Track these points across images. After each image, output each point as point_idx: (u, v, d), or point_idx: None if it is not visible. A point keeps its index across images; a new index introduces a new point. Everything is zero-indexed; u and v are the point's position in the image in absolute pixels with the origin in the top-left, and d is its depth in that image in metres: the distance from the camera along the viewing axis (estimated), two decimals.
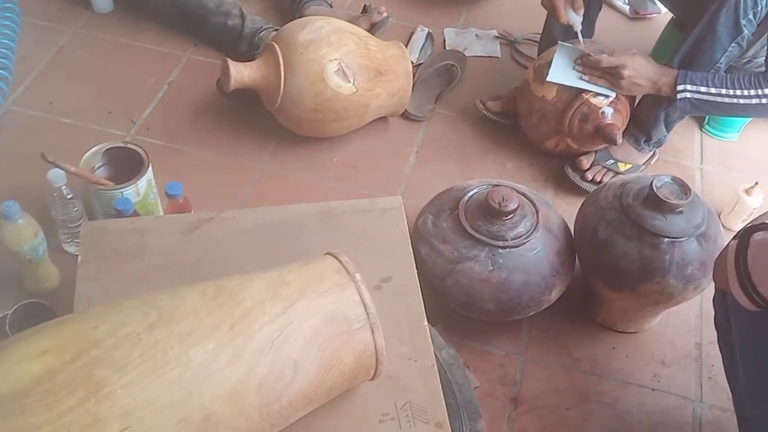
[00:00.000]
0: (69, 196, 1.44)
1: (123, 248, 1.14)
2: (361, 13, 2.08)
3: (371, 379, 0.98)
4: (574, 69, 1.72)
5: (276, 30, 1.96)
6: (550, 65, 1.72)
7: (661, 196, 1.36)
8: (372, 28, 1.97)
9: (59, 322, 0.88)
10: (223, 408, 0.82)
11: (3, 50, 1.87)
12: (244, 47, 1.97)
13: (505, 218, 1.39)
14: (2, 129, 1.78)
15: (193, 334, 0.83)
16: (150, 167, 1.51)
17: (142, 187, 1.49)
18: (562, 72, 1.72)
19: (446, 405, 1.01)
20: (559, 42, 1.76)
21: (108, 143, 1.56)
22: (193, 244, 1.16)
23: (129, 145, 1.54)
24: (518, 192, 1.44)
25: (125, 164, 1.52)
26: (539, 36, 1.98)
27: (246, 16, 1.97)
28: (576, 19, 1.71)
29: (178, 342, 0.82)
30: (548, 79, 1.71)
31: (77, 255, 1.49)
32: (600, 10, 1.91)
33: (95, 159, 1.52)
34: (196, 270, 1.13)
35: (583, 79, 1.71)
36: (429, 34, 2.16)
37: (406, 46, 2.06)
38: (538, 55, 1.91)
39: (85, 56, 2.01)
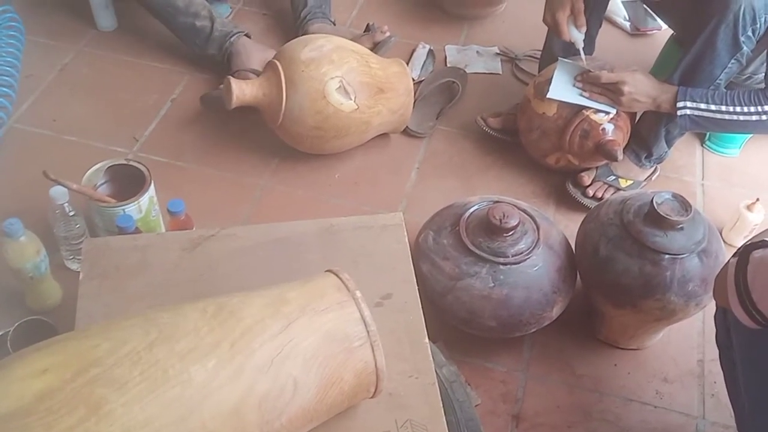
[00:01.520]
0: (71, 213, 1.45)
1: (125, 265, 1.15)
2: (364, 31, 2.09)
3: (372, 397, 0.97)
4: (574, 86, 1.73)
5: (247, 35, 1.98)
6: (550, 82, 1.73)
7: (661, 213, 1.36)
8: (375, 48, 1.98)
9: (60, 339, 0.88)
10: (224, 426, 0.82)
11: (7, 68, 1.89)
12: (213, 50, 1.97)
13: (506, 235, 1.39)
14: (6, 146, 1.79)
15: (194, 352, 0.83)
16: (152, 184, 1.51)
17: (144, 204, 1.49)
18: (562, 88, 1.73)
19: (447, 423, 1.01)
20: (559, 58, 1.77)
21: (110, 160, 1.57)
22: (195, 261, 1.16)
23: (131, 163, 1.55)
24: (519, 208, 1.44)
25: (127, 181, 1.52)
26: (540, 53, 1.99)
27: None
28: (578, 37, 1.72)
29: (178, 360, 0.82)
30: (548, 95, 1.72)
31: (79, 272, 1.51)
32: (600, 26, 1.92)
33: (97, 176, 1.53)
34: (197, 287, 1.13)
35: (584, 96, 1.72)
36: (430, 51, 2.17)
37: (408, 63, 2.08)
38: (539, 72, 1.91)
39: (89, 74, 2.03)
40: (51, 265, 1.47)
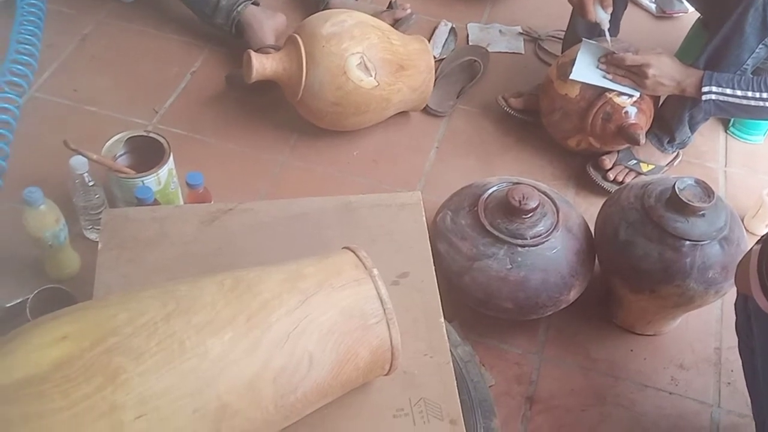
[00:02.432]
0: (91, 184, 1.45)
1: (143, 237, 1.15)
2: (387, 8, 2.08)
3: (386, 374, 0.97)
4: (597, 67, 1.71)
5: (255, 3, 1.96)
6: (573, 63, 1.71)
7: (683, 199, 1.34)
8: (395, 24, 1.96)
9: (79, 308, 0.88)
10: (239, 399, 0.83)
11: (28, 37, 1.89)
12: (220, 20, 1.95)
13: (525, 216, 1.38)
14: (26, 115, 1.79)
15: (210, 325, 0.84)
16: (171, 156, 1.51)
17: (163, 177, 1.49)
18: (585, 70, 1.70)
19: (461, 402, 1.01)
20: (583, 39, 1.75)
21: (130, 132, 1.57)
22: (213, 234, 1.16)
23: (151, 134, 1.55)
24: (539, 190, 1.43)
25: (147, 153, 1.52)
26: (563, 33, 1.96)
27: None
28: (604, 17, 1.69)
29: (195, 332, 0.82)
30: (571, 77, 1.70)
31: (98, 242, 1.51)
32: (626, 8, 1.89)
33: (117, 147, 1.53)
34: (214, 260, 1.13)
35: (607, 78, 1.69)
36: (452, 29, 2.15)
37: (429, 41, 2.06)
38: (562, 53, 1.89)
39: (109, 45, 2.02)
40: (70, 234, 1.47)
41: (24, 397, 0.76)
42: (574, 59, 1.71)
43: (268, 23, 1.93)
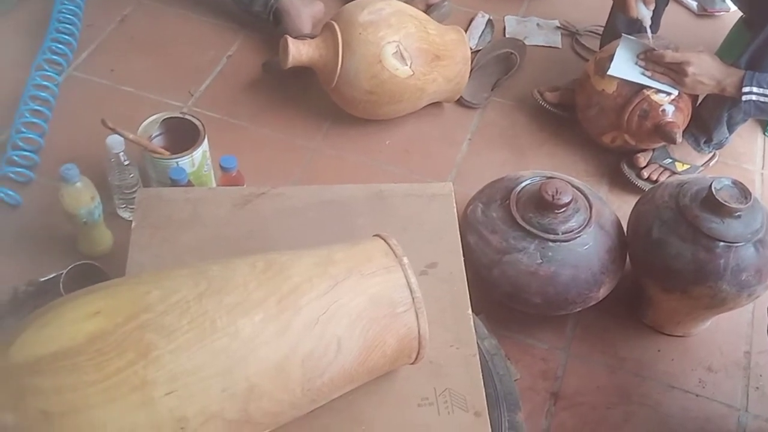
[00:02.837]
0: (126, 163, 1.47)
1: (176, 217, 1.16)
2: None
3: (412, 363, 0.97)
4: (636, 64, 1.69)
5: None
6: (612, 58, 1.69)
7: (719, 199, 1.33)
8: (427, 10, 1.96)
9: (113, 284, 0.89)
10: (267, 381, 0.83)
11: (69, 16, 1.91)
12: (258, 7, 1.96)
13: (557, 211, 1.37)
14: (64, 94, 1.81)
15: (242, 305, 0.84)
16: (206, 139, 1.52)
17: (197, 158, 1.51)
18: (624, 66, 1.68)
19: (486, 395, 1.01)
20: (623, 35, 1.73)
21: (166, 113, 1.58)
22: (244, 217, 1.17)
23: (186, 116, 1.56)
24: (572, 186, 1.42)
25: (181, 135, 1.54)
26: (602, 28, 1.94)
27: None
28: (646, 14, 1.67)
29: (226, 312, 0.83)
30: (609, 72, 1.68)
31: (130, 220, 1.53)
32: (667, 5, 1.87)
33: (153, 128, 1.54)
34: (245, 243, 1.14)
35: (646, 75, 1.67)
36: (489, 21, 2.14)
37: (466, 32, 2.04)
38: (600, 48, 1.87)
39: (148, 26, 2.04)
40: (103, 212, 1.49)
41: (58, 369, 0.77)
42: (613, 55, 1.69)
43: (306, 11, 1.93)
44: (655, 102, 1.68)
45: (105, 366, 0.78)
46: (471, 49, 1.91)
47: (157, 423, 0.79)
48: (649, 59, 1.67)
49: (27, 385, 0.77)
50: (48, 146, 1.70)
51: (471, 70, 1.84)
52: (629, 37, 1.71)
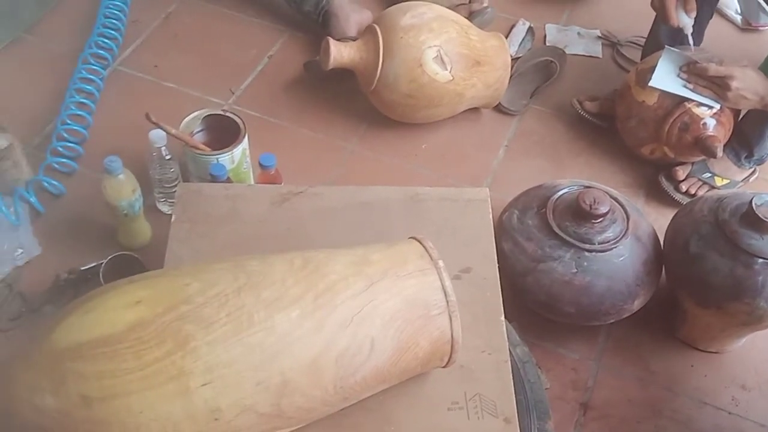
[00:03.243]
0: (167, 157, 1.49)
1: (215, 212, 1.18)
2: (466, 3, 2.07)
3: (444, 366, 0.98)
4: (678, 76, 1.67)
5: None
6: (654, 69, 1.68)
7: (760, 215, 1.31)
8: (470, 16, 1.96)
9: (153, 275, 0.91)
10: (301, 376, 0.84)
11: (116, 12, 1.95)
12: (309, 7, 1.98)
13: (594, 221, 1.36)
14: (109, 88, 1.85)
15: (279, 301, 0.85)
16: (246, 137, 1.54)
17: (237, 156, 1.52)
18: (665, 77, 1.67)
19: (516, 401, 1.00)
20: (666, 46, 1.71)
21: (208, 110, 1.60)
22: (282, 215, 1.19)
23: (228, 114, 1.58)
24: (610, 196, 1.41)
25: (222, 132, 1.56)
26: (644, 39, 1.93)
27: None
28: (687, 22, 1.65)
29: (263, 307, 0.84)
30: (650, 84, 1.67)
31: (169, 214, 1.56)
32: (711, 18, 1.85)
33: (194, 124, 1.56)
34: (282, 240, 1.15)
35: (687, 88, 1.66)
36: (530, 29, 2.13)
37: (506, 39, 2.04)
38: (642, 59, 1.86)
39: (192, 24, 2.07)
40: (143, 205, 1.52)
41: (99, 355, 0.79)
42: (655, 66, 1.68)
43: (354, 16, 1.94)
44: (697, 115, 1.67)
45: (144, 354, 0.79)
46: (511, 56, 1.91)
47: (192, 413, 0.80)
48: (692, 72, 1.65)
49: (68, 370, 0.79)
50: (91, 138, 1.73)
51: (510, 77, 1.84)
52: (672, 48, 1.70)
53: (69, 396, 0.79)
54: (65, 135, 1.69)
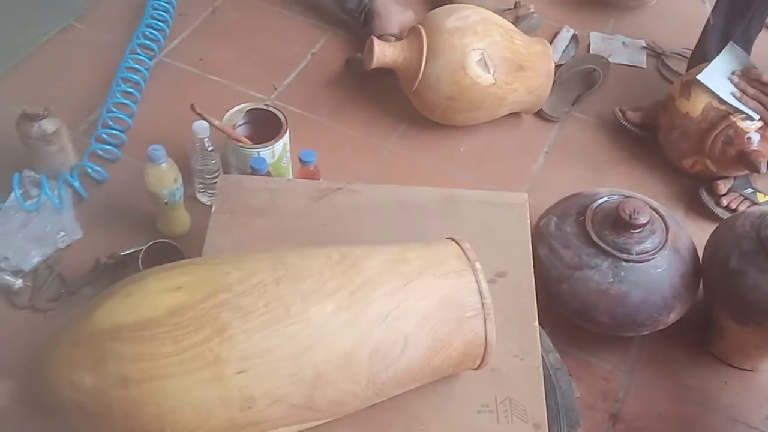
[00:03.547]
0: (209, 149, 1.51)
1: (254, 205, 1.19)
2: (513, 8, 2.07)
3: (475, 369, 0.98)
4: (729, 79, 1.64)
5: None
6: (708, 64, 1.65)
7: None
8: (516, 20, 1.95)
9: (194, 262, 0.93)
10: (335, 369, 0.85)
11: (164, 4, 1.98)
12: (352, 5, 1.99)
13: (633, 231, 1.35)
14: (154, 78, 1.87)
15: (316, 294, 0.86)
16: (288, 132, 1.56)
17: (278, 150, 1.54)
18: (716, 75, 1.65)
19: (547, 408, 1.00)
20: (730, 42, 1.68)
21: (251, 103, 1.62)
22: (320, 210, 1.20)
23: (270, 108, 1.60)
24: (650, 207, 1.40)
25: (264, 126, 1.57)
26: (690, 51, 1.90)
27: None
28: None
29: (300, 299, 0.85)
30: (699, 76, 1.64)
31: (208, 205, 1.59)
32: (761, 30, 1.82)
33: (238, 117, 1.58)
34: (319, 235, 1.16)
35: (734, 95, 1.63)
36: (574, 36, 2.12)
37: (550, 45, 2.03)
38: (687, 71, 1.84)
39: (238, 19, 2.09)
40: (183, 195, 1.54)
41: (138, 337, 0.81)
42: (710, 63, 1.66)
43: (397, 17, 1.95)
44: (741, 129, 1.64)
45: (182, 339, 0.81)
46: (554, 62, 1.90)
47: (226, 399, 0.81)
48: (746, 76, 1.63)
49: (108, 350, 0.81)
50: (135, 127, 1.76)
51: (553, 84, 1.83)
52: (736, 46, 1.67)
53: (107, 376, 0.80)
54: (110, 122, 1.72)
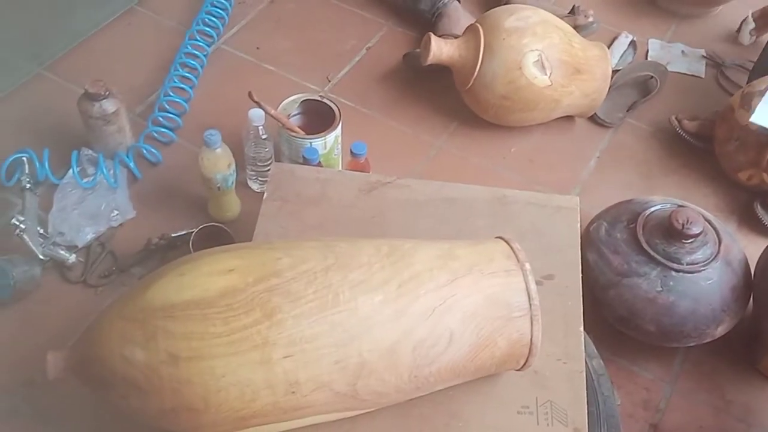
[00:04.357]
0: (264, 137, 1.53)
1: (305, 194, 1.21)
2: (569, 13, 2.05)
3: (518, 369, 0.98)
4: None
5: (457, 0, 1.99)
6: (760, 95, 1.62)
7: None
8: (576, 28, 1.93)
9: (247, 246, 0.94)
10: (379, 360, 0.86)
11: None
12: (425, 6, 2.00)
13: (685, 241, 1.33)
14: (211, 64, 1.90)
15: (364, 284, 0.87)
16: (341, 124, 1.57)
17: (330, 141, 1.55)
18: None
19: (588, 413, 0.99)
20: None
21: (306, 94, 1.63)
22: (369, 203, 1.20)
23: (324, 100, 1.61)
24: (704, 218, 1.38)
25: (317, 117, 1.58)
26: (752, 63, 1.87)
27: None
28: None
29: (349, 288, 0.86)
30: (752, 119, 1.61)
31: (259, 192, 1.61)
32: None
33: (292, 107, 1.60)
34: (368, 227, 1.17)
35: None
36: (632, 42, 2.09)
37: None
38: (748, 83, 1.80)
39: (295, 10, 2.11)
40: (235, 180, 1.56)
41: (189, 316, 0.82)
42: (762, 94, 1.62)
43: (464, 21, 1.94)
44: None
45: (232, 321, 0.82)
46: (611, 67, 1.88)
47: (272, 382, 0.82)
48: None
49: (159, 327, 0.83)
50: (191, 112, 1.78)
51: (608, 89, 1.81)
52: None
53: (158, 352, 0.82)
54: (167, 106, 1.75)
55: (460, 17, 1.94)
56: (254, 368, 0.82)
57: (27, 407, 1.31)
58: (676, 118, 1.85)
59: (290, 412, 0.85)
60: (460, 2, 2.01)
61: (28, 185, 1.55)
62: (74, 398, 1.25)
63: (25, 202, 1.52)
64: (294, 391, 0.84)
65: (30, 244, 1.46)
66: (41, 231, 1.50)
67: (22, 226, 1.46)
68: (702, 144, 1.82)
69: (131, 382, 0.84)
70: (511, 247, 0.98)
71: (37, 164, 1.57)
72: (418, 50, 1.83)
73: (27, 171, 1.57)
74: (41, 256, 1.46)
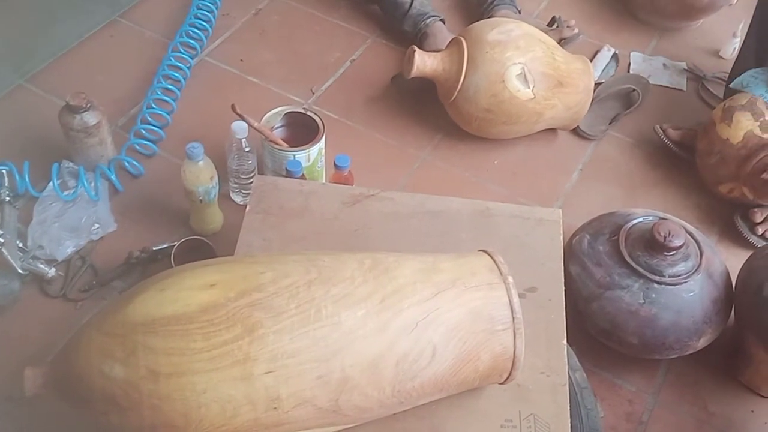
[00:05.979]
0: (247, 149, 1.52)
1: (288, 206, 1.20)
2: (548, 24, 2.06)
3: (501, 383, 0.98)
4: None
5: (441, 20, 2.00)
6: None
7: None
8: (560, 43, 1.95)
9: (228, 260, 0.93)
10: (361, 375, 0.85)
11: (208, 4, 2.00)
12: (408, 27, 2.01)
13: (667, 253, 1.34)
14: (195, 77, 1.89)
15: (347, 298, 0.87)
16: (324, 136, 1.56)
17: (313, 154, 1.55)
18: None
19: (571, 426, 0.99)
20: None
21: (289, 107, 1.63)
22: (352, 215, 1.20)
23: (308, 113, 1.61)
24: (686, 230, 1.39)
25: (300, 129, 1.58)
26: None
27: None
28: None
29: (332, 302, 0.86)
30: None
31: (241, 204, 1.60)
32: None
33: (275, 119, 1.59)
34: (351, 240, 1.17)
35: None
36: (615, 55, 2.11)
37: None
38: (724, 97, 1.82)
39: (279, 22, 2.11)
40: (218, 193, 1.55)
41: (170, 332, 0.82)
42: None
43: (447, 41, 1.95)
44: None
45: (213, 336, 0.81)
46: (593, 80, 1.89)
47: (253, 398, 0.82)
48: None
49: (139, 342, 0.82)
50: (174, 124, 1.78)
51: (591, 102, 1.82)
52: None
53: (137, 368, 0.81)
54: (149, 118, 1.74)
55: (446, 37, 1.94)
56: (235, 384, 0.81)
57: (4, 424, 1.29)
58: (660, 127, 1.86)
59: (272, 428, 0.84)
60: (444, 22, 2.01)
61: (7, 198, 1.53)
62: (53, 415, 1.24)
63: (4, 216, 1.51)
64: (276, 407, 0.83)
65: (9, 258, 1.44)
66: (20, 245, 1.49)
67: (0, 239, 1.45)
68: (685, 153, 1.83)
69: (111, 398, 0.82)
70: (494, 261, 0.98)
71: (17, 177, 1.56)
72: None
73: (6, 184, 1.55)
74: (20, 270, 1.45)
